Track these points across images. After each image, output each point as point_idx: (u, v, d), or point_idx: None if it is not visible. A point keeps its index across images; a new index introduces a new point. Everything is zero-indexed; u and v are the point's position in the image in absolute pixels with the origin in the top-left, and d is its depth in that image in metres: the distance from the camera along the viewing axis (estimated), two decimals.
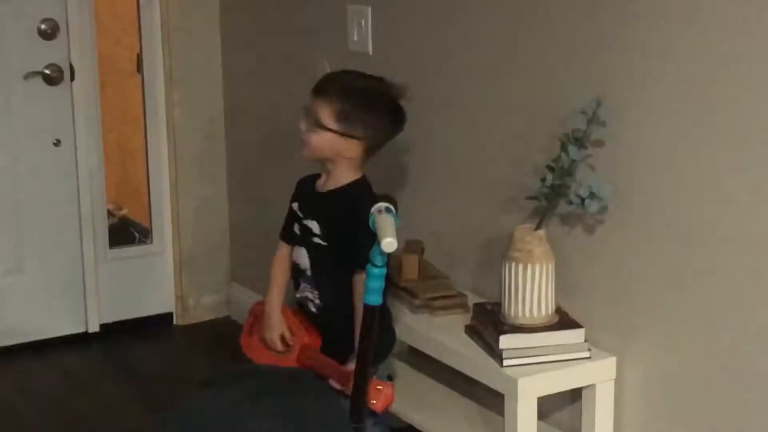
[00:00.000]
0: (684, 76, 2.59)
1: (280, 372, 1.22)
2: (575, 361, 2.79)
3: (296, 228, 3.00)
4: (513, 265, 2.81)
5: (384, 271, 2.49)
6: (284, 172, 4.16)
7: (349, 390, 2.57)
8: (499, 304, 2.88)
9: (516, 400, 2.72)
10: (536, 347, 2.78)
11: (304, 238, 2.97)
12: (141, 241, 4.65)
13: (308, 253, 2.96)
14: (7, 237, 4.24)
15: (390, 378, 2.59)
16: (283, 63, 4.11)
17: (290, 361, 2.93)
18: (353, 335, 2.78)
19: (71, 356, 4.27)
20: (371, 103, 2.91)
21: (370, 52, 3.60)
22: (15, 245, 4.26)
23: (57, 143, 4.24)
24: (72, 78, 4.22)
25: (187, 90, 4.43)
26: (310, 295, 2.98)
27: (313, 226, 2.93)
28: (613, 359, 2.82)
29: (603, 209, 2.76)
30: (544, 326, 2.81)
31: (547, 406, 2.96)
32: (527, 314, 2.81)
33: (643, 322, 2.78)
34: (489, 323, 2.87)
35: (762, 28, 2.41)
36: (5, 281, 4.26)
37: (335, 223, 2.90)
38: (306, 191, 3.03)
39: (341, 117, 2.87)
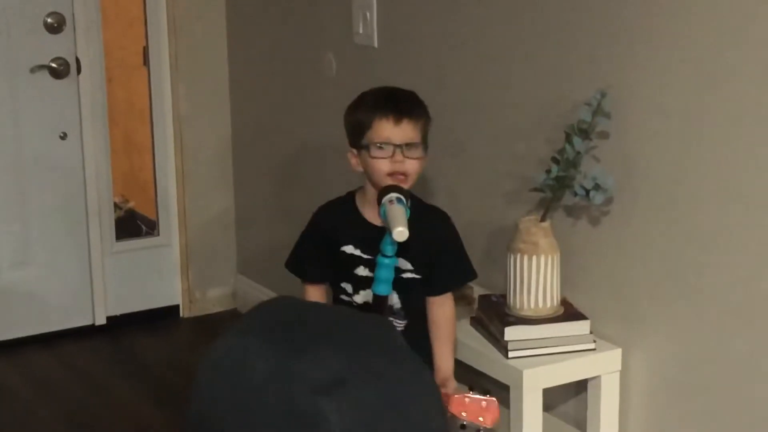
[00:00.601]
0: (688, 66, 2.59)
1: (368, 339, 1.02)
2: (580, 353, 2.79)
3: (363, 272, 2.70)
4: (518, 256, 2.81)
5: (394, 261, 2.48)
6: (291, 165, 4.17)
7: (452, 411, 2.42)
8: (504, 296, 2.89)
9: (521, 392, 2.72)
10: (541, 339, 2.78)
11: None
12: (148, 234, 4.66)
13: (396, 291, 2.67)
14: (14, 230, 4.24)
15: (488, 392, 2.47)
16: (288, 55, 4.10)
17: None
18: (437, 355, 2.72)
19: (78, 349, 4.28)
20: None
21: (376, 45, 3.60)
22: (22, 238, 4.27)
23: (63, 136, 4.25)
24: (78, 71, 4.23)
25: (194, 82, 4.43)
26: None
27: (401, 263, 2.63)
28: (619, 351, 2.82)
29: (608, 201, 2.77)
30: (550, 318, 2.81)
31: (553, 398, 2.97)
32: (532, 306, 2.81)
33: (648, 313, 2.78)
34: (494, 315, 2.87)
35: None
36: (12, 274, 4.27)
37: (427, 254, 2.65)
38: (357, 230, 2.71)
39: (426, 135, 2.70)
